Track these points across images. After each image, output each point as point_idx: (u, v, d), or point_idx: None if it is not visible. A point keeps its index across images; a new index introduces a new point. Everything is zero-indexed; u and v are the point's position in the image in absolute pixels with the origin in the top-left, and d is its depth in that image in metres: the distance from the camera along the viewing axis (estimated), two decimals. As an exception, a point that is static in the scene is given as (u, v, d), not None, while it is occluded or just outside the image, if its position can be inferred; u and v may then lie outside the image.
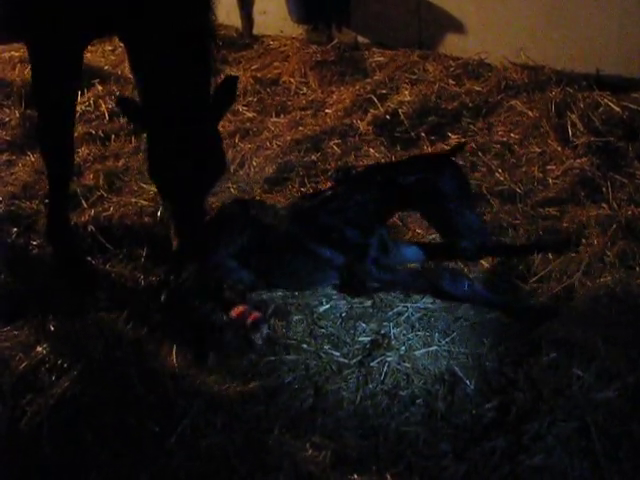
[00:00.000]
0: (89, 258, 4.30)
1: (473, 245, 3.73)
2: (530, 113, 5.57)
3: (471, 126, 5.67)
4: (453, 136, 5.55)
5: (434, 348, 3.52)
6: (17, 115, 6.14)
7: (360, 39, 7.64)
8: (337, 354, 3.53)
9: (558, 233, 4.24)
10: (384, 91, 6.29)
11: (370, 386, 3.33)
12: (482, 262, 4.05)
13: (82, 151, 5.70)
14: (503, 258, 4.06)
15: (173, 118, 3.58)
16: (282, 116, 6.24)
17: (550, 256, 4.01)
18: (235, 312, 3.68)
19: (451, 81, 6.29)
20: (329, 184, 4.96)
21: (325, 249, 3.84)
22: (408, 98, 5.99)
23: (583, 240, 4.13)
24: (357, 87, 6.44)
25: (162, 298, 3.79)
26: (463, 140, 4.84)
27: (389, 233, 4.01)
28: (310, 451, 2.98)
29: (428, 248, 4.08)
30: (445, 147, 5.22)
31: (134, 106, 3.74)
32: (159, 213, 4.59)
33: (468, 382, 3.30)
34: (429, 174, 3.68)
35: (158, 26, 3.62)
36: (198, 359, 3.52)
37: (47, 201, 4.32)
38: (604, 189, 4.64)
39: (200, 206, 3.87)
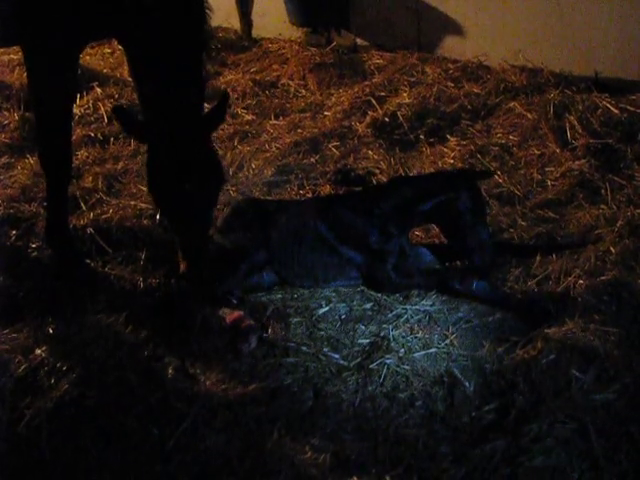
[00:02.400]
0: (88, 260, 4.30)
1: (484, 262, 3.83)
2: (529, 115, 5.58)
3: (470, 128, 5.68)
4: (452, 138, 5.56)
5: (433, 350, 3.52)
6: (16, 118, 6.15)
7: (359, 42, 7.65)
8: (336, 356, 3.53)
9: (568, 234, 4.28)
10: (383, 93, 6.30)
11: (369, 388, 3.33)
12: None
13: (81, 154, 5.70)
14: (514, 257, 4.09)
15: (167, 127, 3.55)
16: (281, 118, 6.25)
17: (553, 257, 4.01)
18: (230, 318, 3.67)
19: (450, 83, 6.30)
20: (328, 186, 5.00)
21: (346, 248, 3.94)
22: (407, 100, 6.00)
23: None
24: (356, 89, 6.45)
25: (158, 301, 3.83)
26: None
27: (409, 239, 4.10)
28: (309, 453, 2.98)
29: (446, 251, 4.15)
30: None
31: (130, 116, 3.67)
32: (158, 216, 4.58)
33: (467, 384, 3.29)
34: (450, 195, 3.80)
35: (152, 33, 3.60)
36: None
37: (46, 204, 4.32)
38: (603, 191, 4.66)
39: (205, 224, 3.80)
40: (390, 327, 3.68)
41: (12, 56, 7.16)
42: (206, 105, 6.44)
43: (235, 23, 8.32)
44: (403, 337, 3.62)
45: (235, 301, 3.86)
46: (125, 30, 3.76)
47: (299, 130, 5.96)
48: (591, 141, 5.08)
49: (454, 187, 3.84)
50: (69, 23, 3.69)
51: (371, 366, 3.44)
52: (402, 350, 3.54)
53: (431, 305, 3.83)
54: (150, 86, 3.66)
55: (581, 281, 3.77)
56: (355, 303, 3.90)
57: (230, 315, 3.69)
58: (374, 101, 6.13)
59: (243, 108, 6.44)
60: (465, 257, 3.95)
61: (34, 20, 3.69)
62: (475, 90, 6.13)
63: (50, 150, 4.05)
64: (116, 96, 6.60)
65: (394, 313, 3.80)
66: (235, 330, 3.61)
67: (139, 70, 3.77)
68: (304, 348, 3.59)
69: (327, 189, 5.00)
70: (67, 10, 3.65)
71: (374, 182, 5.05)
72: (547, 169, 5.01)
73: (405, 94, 6.16)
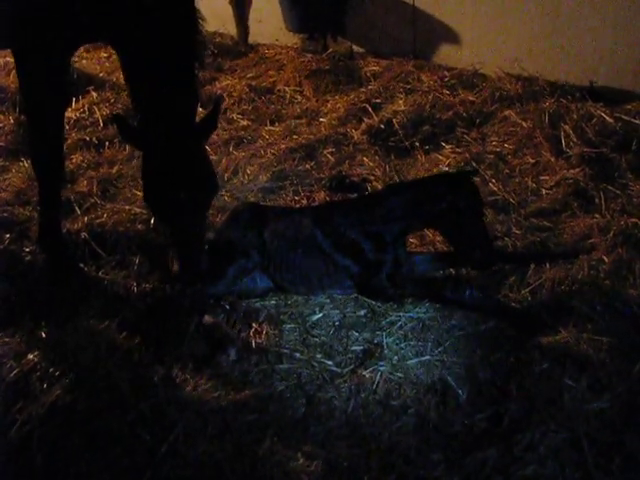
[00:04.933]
0: (82, 265, 4.29)
1: (483, 256, 3.81)
2: (524, 124, 5.59)
3: (465, 136, 5.69)
4: (447, 146, 5.57)
5: (427, 358, 3.53)
6: (11, 121, 6.14)
7: (355, 48, 7.67)
8: (330, 363, 3.53)
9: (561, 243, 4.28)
10: (378, 100, 6.32)
11: (362, 395, 3.33)
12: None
13: (76, 158, 5.70)
14: (509, 265, 4.08)
15: (161, 133, 3.52)
16: (277, 124, 6.25)
17: (547, 265, 4.01)
18: (206, 325, 3.67)
19: (445, 91, 6.32)
20: (323, 193, 5.01)
21: (341, 257, 3.94)
22: (402, 108, 6.01)
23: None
24: (352, 96, 6.47)
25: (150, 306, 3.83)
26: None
27: (405, 247, 4.07)
28: (302, 460, 2.97)
29: (441, 258, 4.15)
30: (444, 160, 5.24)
31: (127, 124, 3.64)
32: (152, 220, 4.57)
33: (460, 392, 3.30)
34: (452, 197, 3.77)
35: (145, 39, 3.57)
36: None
37: (39, 208, 4.31)
38: (597, 200, 4.67)
39: (198, 228, 3.75)
40: (384, 334, 3.68)
41: (8, 59, 7.13)
42: (201, 110, 6.45)
43: (232, 29, 8.33)
44: (397, 344, 3.62)
45: (227, 306, 3.85)
46: (117, 35, 3.75)
47: (294, 136, 5.96)
48: (585, 150, 5.10)
49: (455, 189, 3.83)
50: (60, 27, 3.68)
51: (364, 373, 3.44)
52: (395, 357, 3.54)
53: (425, 313, 3.83)
54: (144, 92, 3.64)
55: (574, 290, 3.77)
56: (349, 310, 3.90)
57: (207, 323, 3.68)
58: (370, 108, 6.14)
59: (239, 114, 6.45)
60: (466, 257, 3.92)
61: (25, 24, 3.68)
62: (470, 98, 6.15)
63: (42, 154, 4.04)
64: (112, 100, 6.60)
65: (388, 320, 3.79)
66: (211, 339, 3.59)
67: (132, 76, 3.75)
68: (297, 354, 3.59)
69: (322, 195, 5.00)
70: (58, 14, 3.64)
71: (369, 189, 5.06)
72: (542, 177, 5.03)
73: (401, 101, 6.17)
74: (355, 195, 4.88)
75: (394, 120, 5.83)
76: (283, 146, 5.77)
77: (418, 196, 3.91)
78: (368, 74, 6.97)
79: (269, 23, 8.08)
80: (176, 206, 3.57)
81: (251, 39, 8.28)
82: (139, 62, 3.63)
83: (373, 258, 3.91)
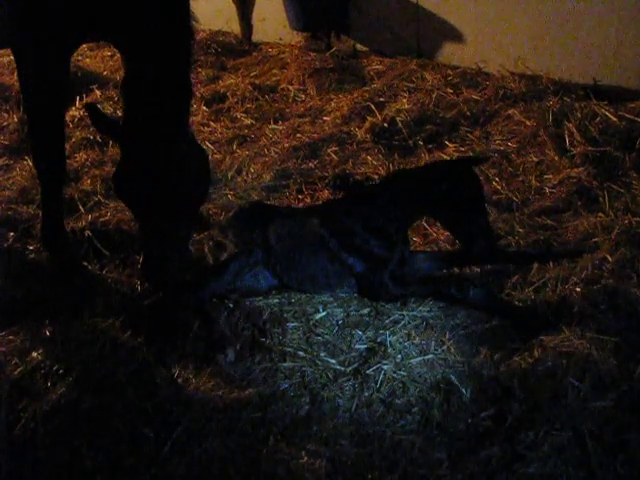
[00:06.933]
0: (86, 263, 4.29)
1: (486, 248, 3.79)
2: (527, 122, 5.59)
3: (469, 135, 5.68)
4: (451, 145, 5.57)
5: (430, 356, 3.53)
6: (15, 119, 6.17)
7: (359, 47, 7.68)
8: (333, 362, 3.53)
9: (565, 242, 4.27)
10: (382, 99, 6.32)
11: (366, 394, 3.33)
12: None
13: (80, 156, 5.71)
14: (511, 264, 4.08)
15: (145, 134, 3.42)
16: (280, 123, 6.26)
17: (550, 264, 4.01)
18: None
19: (449, 90, 6.31)
20: (327, 191, 5.01)
21: (347, 255, 3.92)
22: (406, 106, 6.01)
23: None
24: (355, 95, 6.47)
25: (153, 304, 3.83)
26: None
27: (409, 246, 4.07)
28: (305, 458, 2.97)
29: (444, 257, 4.15)
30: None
31: (102, 116, 3.55)
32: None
33: (464, 390, 3.29)
34: (452, 184, 3.75)
35: (137, 39, 3.55)
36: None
37: (42, 206, 4.31)
38: (601, 199, 4.66)
39: (172, 231, 3.60)
40: (387, 333, 3.68)
41: (12, 57, 7.14)
42: (204, 109, 6.45)
43: (235, 27, 8.34)
44: (400, 343, 3.62)
45: (231, 305, 3.86)
46: (115, 36, 3.74)
47: (298, 135, 5.97)
48: (589, 149, 5.09)
49: (456, 177, 3.80)
50: (60, 26, 3.68)
51: (368, 372, 3.44)
52: (399, 356, 3.54)
53: (428, 311, 3.83)
54: (137, 91, 3.59)
55: (578, 289, 3.77)
56: (352, 308, 3.90)
57: (205, 322, 3.69)
58: (373, 107, 6.14)
59: (242, 112, 6.46)
60: (466, 245, 3.88)
61: (24, 22, 3.68)
62: (474, 97, 6.15)
63: (43, 152, 4.04)
64: (115, 99, 6.60)
65: (391, 319, 3.79)
66: (209, 340, 3.59)
67: (128, 74, 3.71)
68: (301, 353, 3.59)
69: (326, 194, 5.00)
70: (57, 13, 3.63)
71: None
72: (545, 176, 5.02)
73: (404, 100, 6.17)
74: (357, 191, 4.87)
75: (398, 119, 5.83)
76: (287, 145, 5.77)
77: (417, 182, 3.90)
78: (372, 73, 6.98)
79: (273, 21, 8.09)
80: (146, 203, 3.49)
81: (255, 37, 8.30)
82: (134, 61, 3.60)
83: (379, 256, 3.90)
